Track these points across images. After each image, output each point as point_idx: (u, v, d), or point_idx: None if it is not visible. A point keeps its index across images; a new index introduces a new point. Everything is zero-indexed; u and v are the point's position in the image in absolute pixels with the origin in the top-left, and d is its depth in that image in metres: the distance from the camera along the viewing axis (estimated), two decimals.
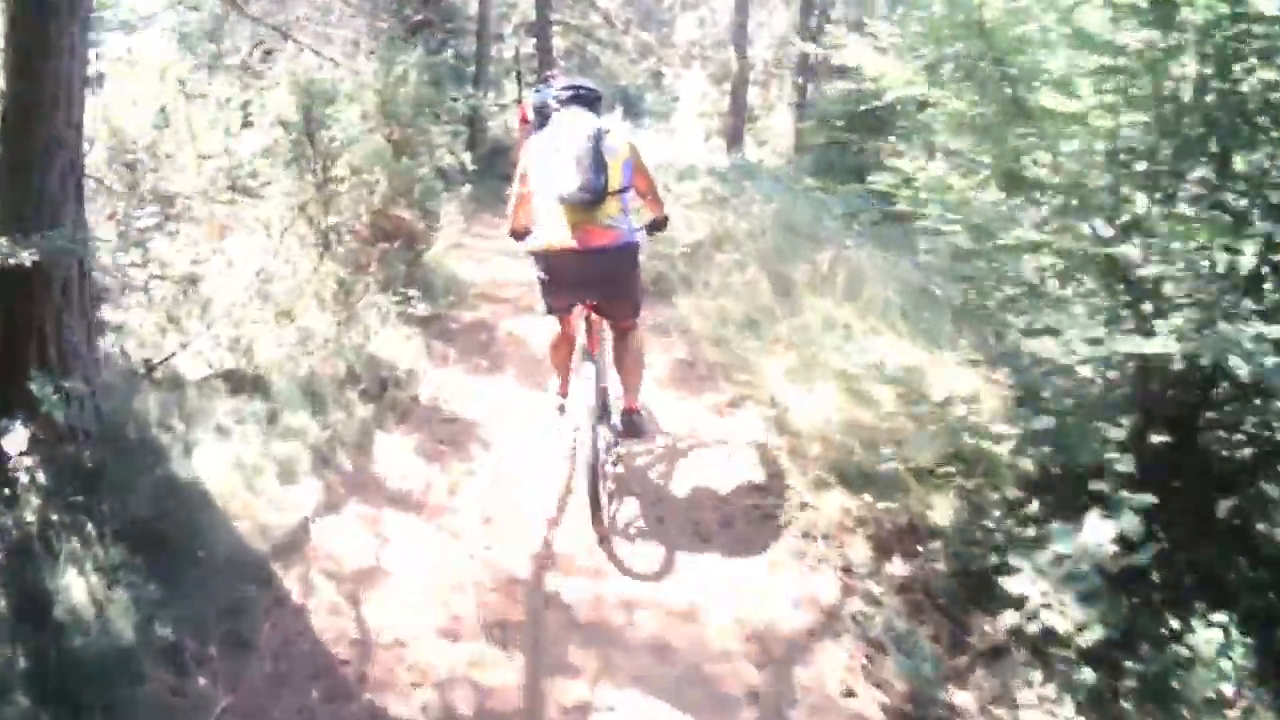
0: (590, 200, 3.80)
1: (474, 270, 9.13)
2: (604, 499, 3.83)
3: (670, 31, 26.51)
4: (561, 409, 4.49)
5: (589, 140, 3.81)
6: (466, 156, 10.46)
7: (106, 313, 4.89)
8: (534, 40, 20.42)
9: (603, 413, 4.06)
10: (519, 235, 4.22)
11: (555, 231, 3.89)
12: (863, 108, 13.02)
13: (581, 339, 4.25)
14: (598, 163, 3.78)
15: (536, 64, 20.53)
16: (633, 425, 4.19)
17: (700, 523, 4.15)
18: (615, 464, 4.26)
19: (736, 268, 7.54)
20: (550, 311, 4.17)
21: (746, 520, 4.16)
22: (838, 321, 5.85)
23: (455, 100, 10.93)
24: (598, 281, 4.01)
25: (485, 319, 7.56)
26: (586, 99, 4.09)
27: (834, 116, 14.16)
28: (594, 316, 4.24)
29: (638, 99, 32.72)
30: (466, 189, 11.05)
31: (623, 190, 3.95)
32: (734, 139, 20.06)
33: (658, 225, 4.34)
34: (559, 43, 21.67)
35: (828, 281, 6.58)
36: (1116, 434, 3.43)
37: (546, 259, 3.96)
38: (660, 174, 8.11)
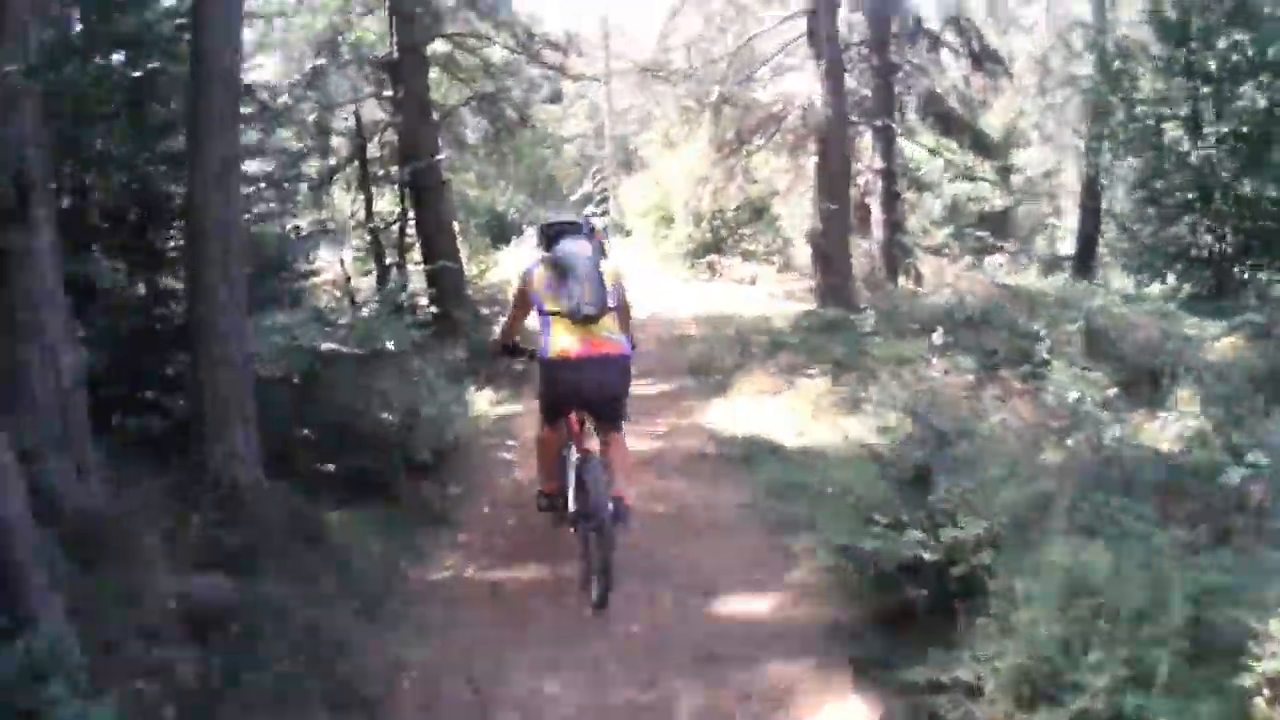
0: (594, 314, 4.26)
1: None
2: (611, 579, 4.14)
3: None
4: (549, 505, 4.74)
5: (591, 264, 4.30)
6: None
7: None
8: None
9: (601, 506, 4.17)
10: (504, 350, 5.00)
11: (566, 343, 4.28)
12: None
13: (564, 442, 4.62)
14: (599, 283, 4.27)
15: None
16: (622, 511, 4.27)
17: None
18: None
19: None
20: (549, 415, 4.53)
21: None
22: None
23: None
24: (601, 386, 4.38)
25: None
26: (577, 230, 4.53)
27: None
28: (585, 418, 4.50)
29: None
30: None
31: (615, 309, 4.38)
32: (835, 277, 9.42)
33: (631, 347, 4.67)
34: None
35: None
36: None
37: (556, 366, 4.32)
38: None
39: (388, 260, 10.57)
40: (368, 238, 10.59)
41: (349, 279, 10.55)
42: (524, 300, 4.53)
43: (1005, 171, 15.48)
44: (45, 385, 3.61)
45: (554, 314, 4.29)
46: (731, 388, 8.38)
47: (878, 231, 13.54)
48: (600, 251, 4.47)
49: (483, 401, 8.34)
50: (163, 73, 5.26)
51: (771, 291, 15.21)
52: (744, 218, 17.18)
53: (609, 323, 4.32)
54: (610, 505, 4.16)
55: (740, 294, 15.29)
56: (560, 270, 4.28)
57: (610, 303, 4.30)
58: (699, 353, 10.15)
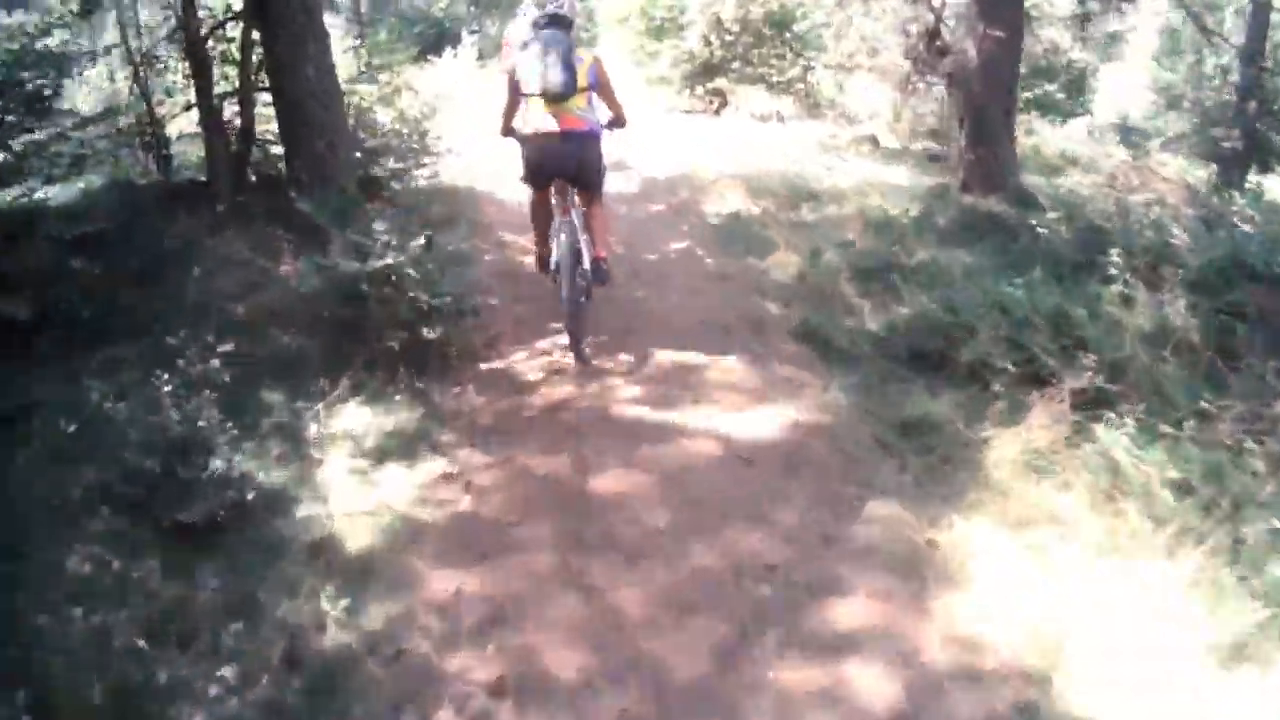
0: (562, 93, 5.01)
1: None
2: (581, 329, 5.23)
3: None
4: (542, 262, 5.65)
5: (561, 49, 5.00)
6: None
7: None
8: None
9: (577, 261, 5.15)
10: (507, 134, 5.49)
11: (539, 120, 5.14)
12: None
13: (556, 206, 5.35)
14: (568, 65, 5.00)
15: None
16: (600, 271, 5.24)
17: None
18: (587, 299, 5.37)
19: None
20: (533, 184, 5.41)
21: None
22: None
23: None
24: (571, 158, 5.20)
25: None
26: (561, 22, 5.12)
27: None
28: (567, 187, 5.29)
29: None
30: None
31: (589, 89, 5.18)
32: None
33: (617, 123, 5.49)
34: None
35: None
36: None
37: (532, 141, 5.21)
38: None
39: (219, 89, 6.76)
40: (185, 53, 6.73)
41: (153, 119, 6.81)
42: (515, 86, 5.21)
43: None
44: None
45: (529, 95, 5.12)
46: (974, 466, 4.07)
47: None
48: (573, 44, 5.09)
49: (343, 445, 4.33)
50: None
51: (818, 138, 11.34)
52: (759, 36, 13.09)
53: (580, 102, 5.12)
54: (588, 265, 5.19)
55: (775, 139, 11.15)
56: (536, 57, 5.00)
57: (582, 83, 5.09)
58: (812, 285, 6.34)
